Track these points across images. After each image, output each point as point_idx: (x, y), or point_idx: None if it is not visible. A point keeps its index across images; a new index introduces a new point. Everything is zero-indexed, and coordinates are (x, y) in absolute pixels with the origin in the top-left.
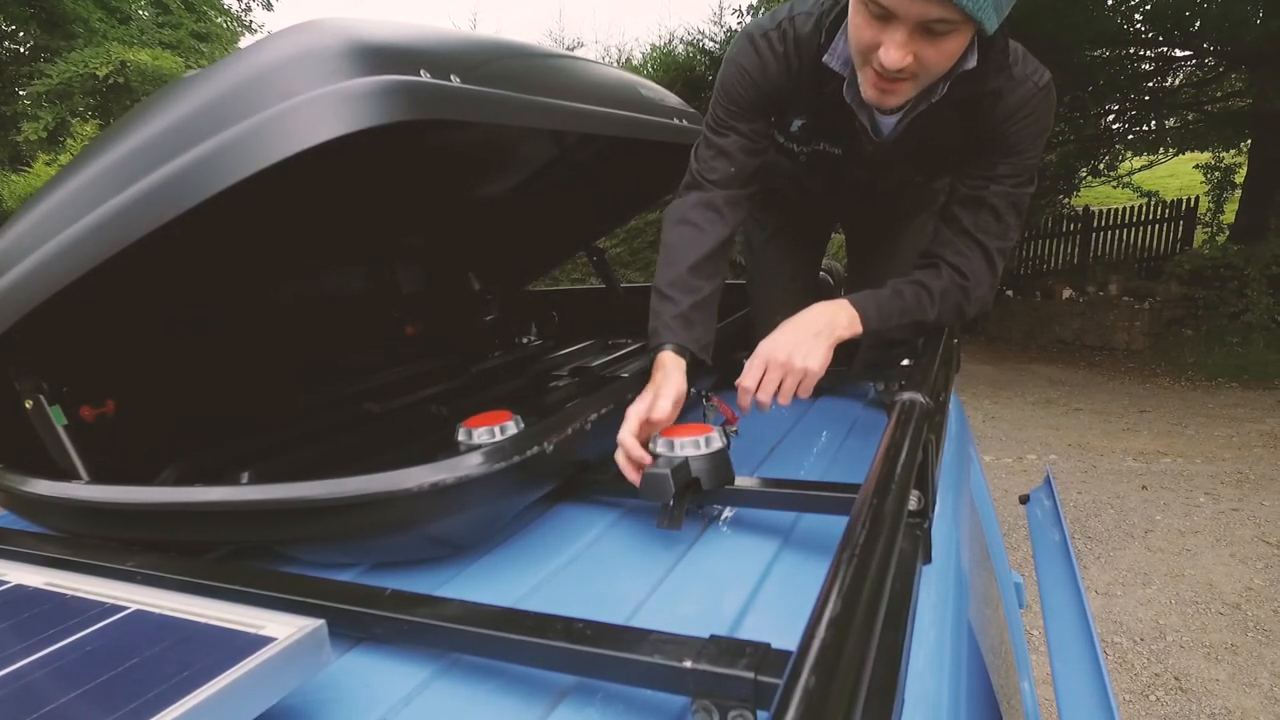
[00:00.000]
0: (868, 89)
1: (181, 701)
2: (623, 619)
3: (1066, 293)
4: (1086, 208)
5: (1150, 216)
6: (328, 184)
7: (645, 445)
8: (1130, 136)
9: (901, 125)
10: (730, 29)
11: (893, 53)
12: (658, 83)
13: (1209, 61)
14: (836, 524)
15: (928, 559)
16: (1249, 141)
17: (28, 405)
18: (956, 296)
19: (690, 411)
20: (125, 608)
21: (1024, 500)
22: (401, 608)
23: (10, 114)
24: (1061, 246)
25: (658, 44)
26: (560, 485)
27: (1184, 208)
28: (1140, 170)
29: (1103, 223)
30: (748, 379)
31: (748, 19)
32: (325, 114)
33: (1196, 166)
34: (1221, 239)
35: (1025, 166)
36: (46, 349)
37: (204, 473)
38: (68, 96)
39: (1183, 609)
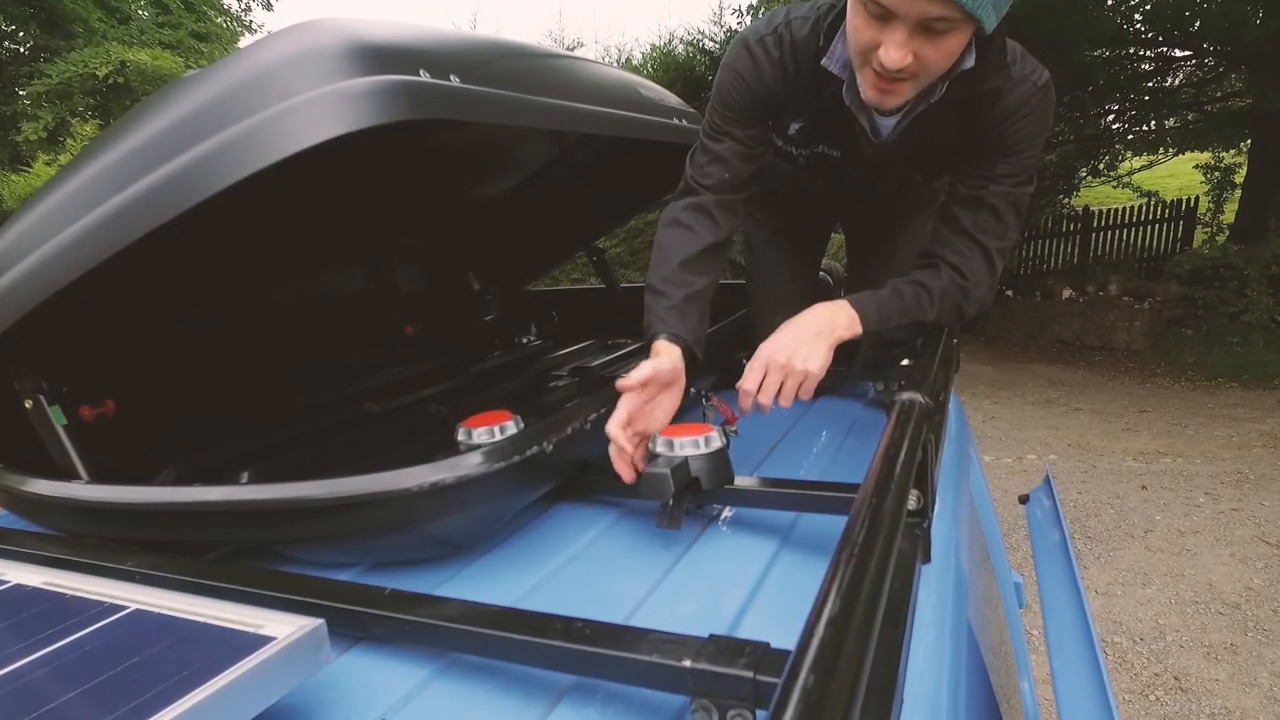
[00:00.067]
0: (867, 90)
1: (181, 701)
2: (622, 618)
3: (1066, 293)
4: (1086, 208)
5: (1150, 216)
6: (328, 184)
7: (647, 444)
8: (1130, 136)
9: (900, 126)
10: (730, 29)
11: (893, 52)
12: (658, 83)
13: (1209, 61)
14: (836, 524)
15: (927, 559)
16: (1249, 141)
17: (27, 405)
18: (956, 296)
19: (690, 411)
20: (125, 607)
21: (1024, 500)
22: (401, 607)
23: (10, 114)
24: (1061, 246)
25: (658, 44)
26: (560, 485)
27: (1184, 208)
28: (1140, 170)
29: (1103, 223)
30: (748, 381)
31: (747, 19)
32: (325, 114)
33: (1196, 166)
34: (1221, 239)
35: (1024, 166)
36: (46, 349)
37: (204, 473)
38: (67, 96)
39: (1182, 609)
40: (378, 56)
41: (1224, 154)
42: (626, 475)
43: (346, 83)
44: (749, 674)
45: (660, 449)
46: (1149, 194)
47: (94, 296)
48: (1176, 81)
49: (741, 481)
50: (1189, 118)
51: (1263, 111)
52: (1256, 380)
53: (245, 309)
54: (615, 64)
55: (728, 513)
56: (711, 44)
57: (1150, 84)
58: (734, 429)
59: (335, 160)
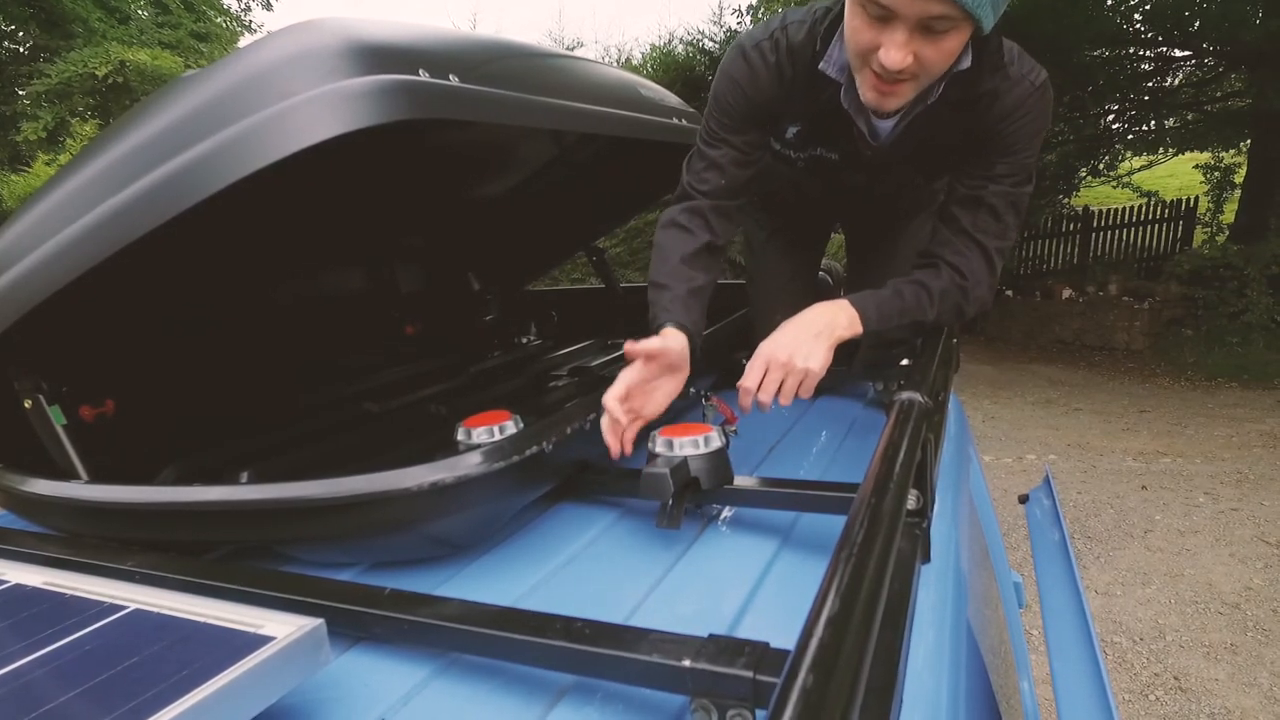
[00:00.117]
0: (867, 92)
1: (180, 700)
2: (622, 618)
3: (1066, 293)
4: (1086, 208)
5: (1150, 216)
6: (327, 184)
7: (639, 425)
8: (1130, 136)
9: (898, 129)
10: (730, 29)
11: (893, 53)
12: (658, 83)
13: (1209, 61)
14: (835, 523)
15: (926, 558)
16: (1249, 141)
17: (27, 405)
18: (956, 296)
19: (690, 411)
20: (124, 607)
21: (1023, 500)
22: (401, 607)
23: (10, 114)
24: (1061, 246)
25: (657, 44)
26: (559, 485)
27: (1184, 208)
28: (1140, 170)
29: (1102, 223)
30: (748, 379)
31: (747, 19)
32: (324, 113)
33: (1196, 166)
34: (1221, 239)
35: (1023, 166)
36: (46, 349)
37: (203, 472)
38: (67, 96)
39: (1182, 609)
40: (377, 56)
41: (1224, 154)
42: (615, 449)
43: (346, 82)
44: (748, 674)
45: (660, 449)
46: (1149, 194)
47: (94, 296)
48: (1176, 81)
49: (741, 481)
50: (1189, 118)
51: (1263, 111)
52: (1256, 380)
53: (245, 309)
54: (615, 64)
55: (727, 513)
56: (711, 44)
57: (1150, 84)
58: (733, 429)
59: (335, 160)
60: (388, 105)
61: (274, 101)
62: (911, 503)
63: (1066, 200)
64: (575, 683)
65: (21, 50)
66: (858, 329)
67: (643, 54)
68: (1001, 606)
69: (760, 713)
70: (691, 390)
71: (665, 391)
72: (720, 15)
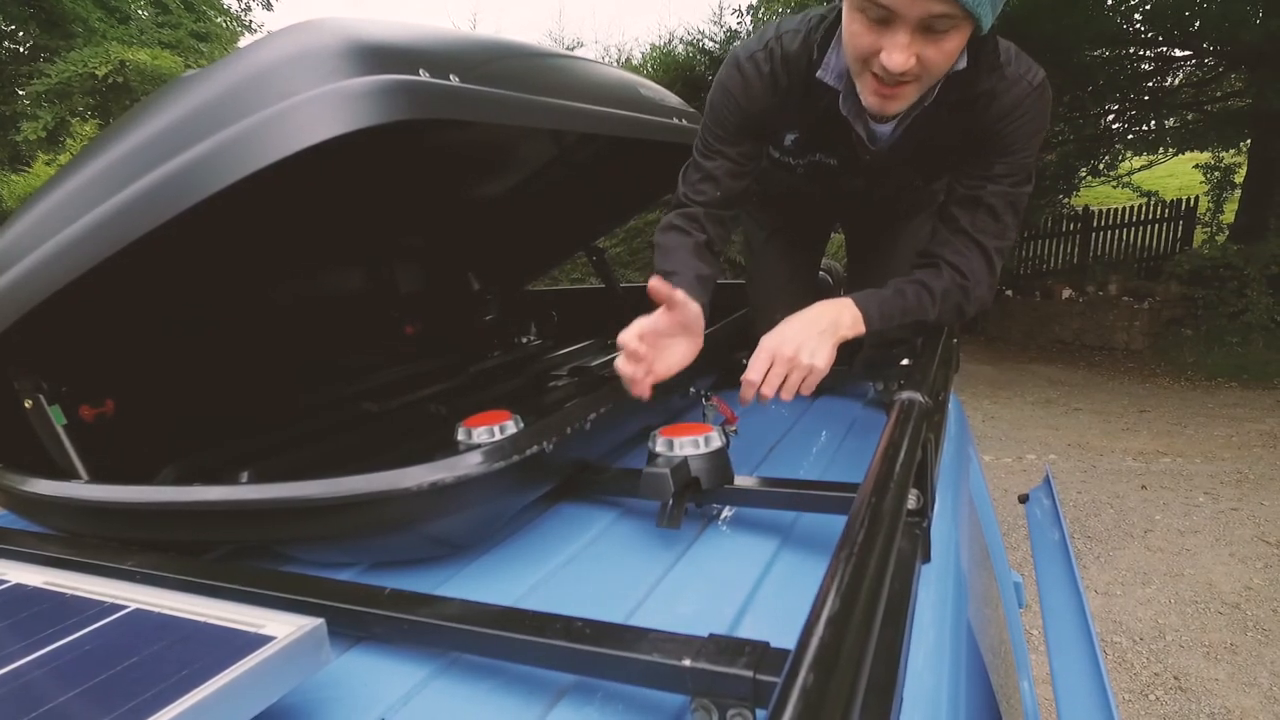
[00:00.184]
0: (869, 97)
1: (180, 700)
2: (622, 618)
3: (1066, 293)
4: (1086, 208)
5: (1150, 216)
6: (327, 184)
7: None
8: (1130, 136)
9: (897, 132)
10: (730, 29)
11: (896, 55)
12: (658, 83)
13: (1209, 61)
14: (835, 523)
15: (927, 558)
16: (1249, 141)
17: (27, 405)
18: (957, 296)
19: (690, 411)
20: (125, 607)
21: (1023, 500)
22: (401, 607)
23: (10, 114)
24: (1061, 246)
25: (658, 44)
26: (559, 484)
27: (1184, 208)
28: (1140, 170)
29: (1102, 223)
30: (752, 372)
31: (747, 19)
32: (324, 113)
33: (1196, 166)
34: (1221, 239)
35: (1022, 166)
36: (46, 349)
37: (203, 472)
38: (67, 96)
39: (1182, 608)
40: (377, 56)
41: (1224, 154)
42: (639, 386)
43: (346, 82)
44: (749, 673)
45: (660, 449)
46: (1149, 194)
47: (94, 296)
48: (1176, 81)
49: (741, 481)
50: (1189, 118)
51: (1262, 111)
52: (1256, 380)
53: (245, 309)
54: (615, 64)
55: (727, 512)
56: (711, 44)
57: (1150, 84)
58: (734, 428)
59: (335, 160)
60: (388, 105)
61: (274, 101)
62: (912, 502)
63: (1066, 200)
64: (575, 682)
65: (21, 50)
66: (861, 328)
67: (643, 54)
68: (1001, 606)
69: (760, 712)
70: (691, 390)
71: (679, 353)
72: (720, 15)
